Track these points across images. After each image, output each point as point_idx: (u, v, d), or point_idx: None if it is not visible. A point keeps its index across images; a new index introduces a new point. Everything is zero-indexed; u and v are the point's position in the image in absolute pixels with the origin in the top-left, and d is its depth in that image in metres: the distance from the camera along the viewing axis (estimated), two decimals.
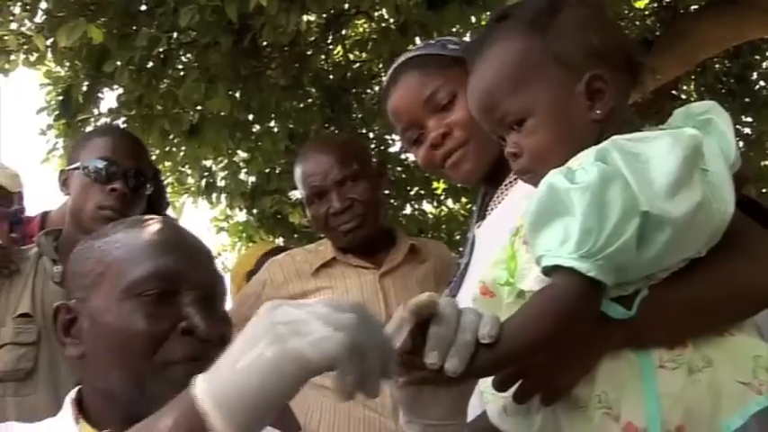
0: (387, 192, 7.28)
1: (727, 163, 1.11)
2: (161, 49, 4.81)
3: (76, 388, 1.34)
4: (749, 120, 7.34)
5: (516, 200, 1.42)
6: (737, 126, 7.39)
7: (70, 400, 1.31)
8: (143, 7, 4.85)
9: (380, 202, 2.49)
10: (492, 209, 1.65)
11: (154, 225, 1.35)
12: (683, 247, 1.06)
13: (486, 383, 1.14)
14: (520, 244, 1.12)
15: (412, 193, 7.98)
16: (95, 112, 5.52)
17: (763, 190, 7.27)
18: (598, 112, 1.16)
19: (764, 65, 7.31)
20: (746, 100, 7.10)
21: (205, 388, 0.86)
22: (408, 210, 8.14)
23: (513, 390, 1.10)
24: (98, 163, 2.17)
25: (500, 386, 1.09)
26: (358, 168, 2.34)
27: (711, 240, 1.10)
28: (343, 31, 6.37)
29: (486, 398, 1.17)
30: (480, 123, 1.29)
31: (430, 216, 8.38)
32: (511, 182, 1.61)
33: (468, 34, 5.73)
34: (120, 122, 5.63)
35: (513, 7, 1.29)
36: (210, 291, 1.30)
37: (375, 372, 0.87)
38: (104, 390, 1.26)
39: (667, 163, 1.02)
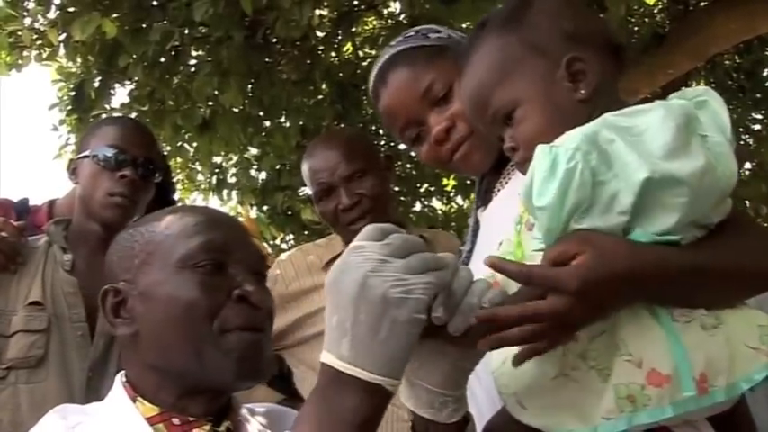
0: (396, 188, 7.30)
1: (725, 137, 1.12)
2: (174, 44, 4.83)
3: (121, 372, 1.36)
4: (759, 116, 7.31)
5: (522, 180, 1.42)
6: (747, 122, 7.36)
7: (121, 382, 1.33)
8: (155, 2, 4.87)
9: (389, 196, 2.47)
10: (498, 190, 1.63)
11: (197, 209, 1.42)
12: (693, 208, 1.07)
13: (499, 383, 1.19)
14: (525, 231, 1.16)
15: (422, 189, 7.98)
16: (107, 107, 5.54)
17: None
18: (582, 92, 1.20)
19: None
20: (757, 96, 7.07)
21: (375, 368, 0.98)
22: (418, 206, 8.15)
23: (525, 384, 1.14)
24: (107, 151, 2.19)
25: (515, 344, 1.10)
26: (365, 163, 2.31)
27: (719, 207, 1.12)
28: (353, 28, 6.38)
29: (503, 398, 1.20)
30: (479, 127, 1.33)
31: (439, 213, 8.38)
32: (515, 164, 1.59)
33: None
34: (132, 117, 5.65)
35: (492, 13, 1.35)
36: (256, 266, 1.36)
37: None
38: (159, 365, 1.29)
39: (662, 132, 1.05)
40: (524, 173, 1.21)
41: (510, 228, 1.22)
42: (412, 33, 1.75)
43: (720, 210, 1.13)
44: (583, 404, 1.09)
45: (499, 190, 1.62)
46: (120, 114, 5.49)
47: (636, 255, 1.06)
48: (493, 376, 1.20)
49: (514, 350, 1.11)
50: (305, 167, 2.41)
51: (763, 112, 7.24)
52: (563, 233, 1.07)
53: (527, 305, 1.05)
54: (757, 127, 7.43)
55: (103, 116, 5.61)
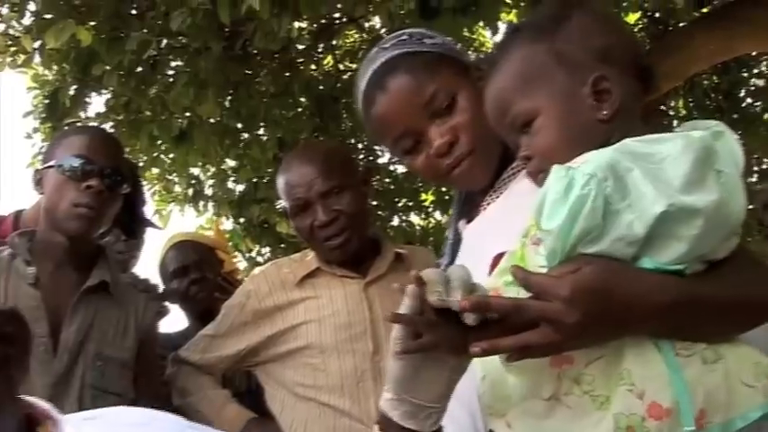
0: (374, 203, 7.27)
1: (738, 171, 1.13)
2: (151, 54, 4.77)
3: None
4: (736, 137, 7.34)
5: (519, 196, 1.38)
6: None
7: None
8: (133, 11, 4.82)
9: (366, 212, 2.45)
10: (488, 203, 1.57)
11: None
12: (704, 242, 1.07)
13: (483, 401, 1.20)
14: (530, 244, 1.15)
15: (400, 204, 7.98)
16: (83, 116, 5.48)
17: (750, 206, 7.26)
18: (605, 112, 1.19)
19: (752, 82, 7.33)
20: (734, 116, 7.11)
21: None
22: (396, 221, 8.15)
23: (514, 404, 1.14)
24: (74, 161, 2.14)
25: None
26: (343, 179, 2.28)
27: (727, 242, 1.12)
28: (334, 41, 6.36)
29: (488, 417, 1.20)
30: (497, 131, 1.31)
31: (418, 228, 8.37)
32: (508, 177, 1.55)
33: (459, 45, 5.74)
34: (108, 127, 5.59)
35: (525, 20, 1.38)
36: None
37: None
38: None
39: (682, 162, 1.05)
40: (537, 183, 1.22)
41: (504, 241, 1.22)
42: (405, 37, 1.65)
43: (727, 245, 1.13)
44: (574, 431, 1.08)
45: (489, 203, 1.57)
46: (95, 123, 5.43)
47: (637, 277, 1.06)
48: (477, 393, 1.21)
49: (497, 366, 1.13)
50: (281, 181, 2.37)
51: (740, 132, 7.28)
52: (568, 257, 1.07)
53: (520, 299, 1.06)
54: None
55: (78, 125, 5.55)
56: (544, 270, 1.10)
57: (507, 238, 1.20)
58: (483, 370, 1.18)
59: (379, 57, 1.63)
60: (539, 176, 1.20)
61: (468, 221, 1.62)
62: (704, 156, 1.07)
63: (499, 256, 1.24)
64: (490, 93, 1.30)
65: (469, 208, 1.64)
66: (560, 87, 1.22)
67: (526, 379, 1.13)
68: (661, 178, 1.04)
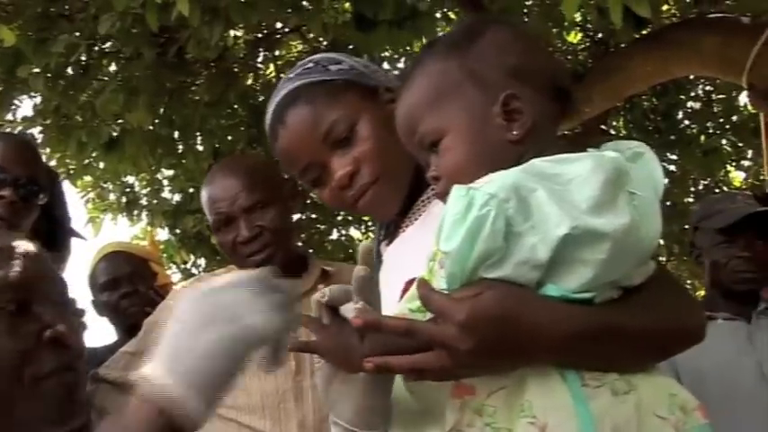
0: (313, 216, 7.20)
1: (656, 195, 1.09)
2: (82, 58, 4.64)
3: None
4: (674, 157, 7.48)
5: (437, 218, 1.33)
6: (663, 163, 7.51)
7: None
8: (66, 13, 4.67)
9: (291, 228, 2.39)
10: (407, 226, 1.53)
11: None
12: (612, 267, 1.03)
13: None
14: (437, 268, 1.10)
15: (339, 218, 7.93)
16: (10, 118, 5.31)
17: (686, 226, 7.39)
18: (515, 132, 1.14)
19: (689, 104, 7.47)
20: (672, 137, 7.23)
21: (177, 380, 0.94)
22: (335, 235, 8.10)
23: None
24: None
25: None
26: (267, 194, 2.22)
27: (639, 268, 1.08)
28: (276, 51, 6.28)
29: None
30: (408, 150, 1.26)
31: (357, 242, 8.33)
32: (428, 198, 1.50)
33: (402, 58, 5.73)
34: (36, 132, 5.47)
35: (441, 36, 1.32)
36: (62, 297, 1.26)
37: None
38: None
39: (590, 183, 1.00)
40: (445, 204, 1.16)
41: (419, 265, 1.15)
42: (311, 65, 1.61)
43: (642, 271, 1.09)
44: None
45: (408, 225, 1.53)
46: (21, 127, 5.28)
47: (541, 305, 1.01)
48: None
49: (405, 396, 1.12)
50: (204, 195, 2.31)
51: (677, 153, 7.41)
52: (468, 281, 1.02)
53: (413, 321, 1.04)
54: (672, 168, 7.59)
55: (5, 128, 5.38)
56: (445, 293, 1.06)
57: (423, 262, 1.15)
58: (393, 398, 1.16)
59: (282, 88, 1.58)
60: (446, 198, 1.15)
61: (389, 243, 1.58)
62: (615, 177, 1.02)
63: (411, 282, 1.19)
64: (400, 110, 1.25)
65: (393, 230, 1.59)
66: (469, 105, 1.17)
67: (429, 408, 1.09)
68: (567, 199, 0.99)
